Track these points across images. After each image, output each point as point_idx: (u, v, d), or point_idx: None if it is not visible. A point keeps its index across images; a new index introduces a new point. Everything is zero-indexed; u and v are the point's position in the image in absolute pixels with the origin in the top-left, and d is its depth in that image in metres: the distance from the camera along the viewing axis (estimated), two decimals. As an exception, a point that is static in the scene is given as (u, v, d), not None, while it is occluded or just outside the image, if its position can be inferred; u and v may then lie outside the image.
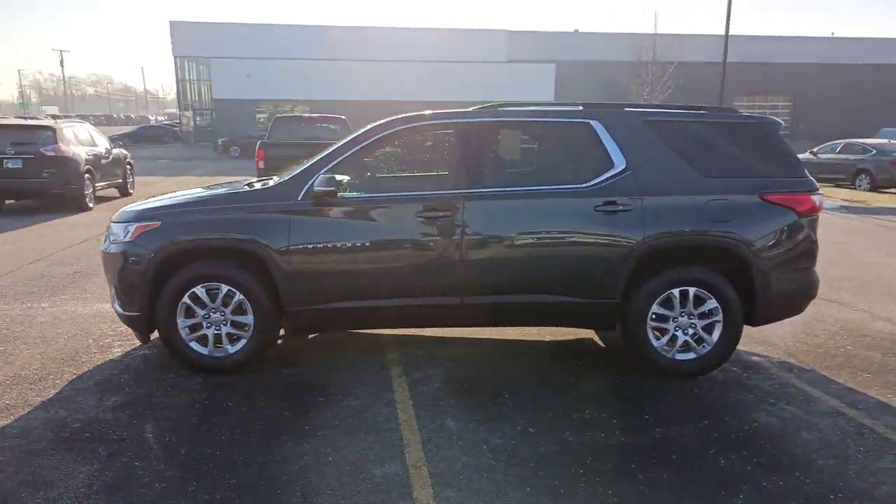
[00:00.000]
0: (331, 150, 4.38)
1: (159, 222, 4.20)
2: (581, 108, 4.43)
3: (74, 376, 4.25)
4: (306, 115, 17.55)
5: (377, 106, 23.63)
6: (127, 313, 4.26)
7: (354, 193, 4.23)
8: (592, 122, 4.30)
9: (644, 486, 3.06)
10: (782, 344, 5.05)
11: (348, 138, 4.50)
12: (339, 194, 4.13)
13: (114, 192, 14.43)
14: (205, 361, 4.26)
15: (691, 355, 4.32)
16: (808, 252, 4.41)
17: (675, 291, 4.24)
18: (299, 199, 4.15)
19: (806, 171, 4.48)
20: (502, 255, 4.23)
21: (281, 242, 4.10)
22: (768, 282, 4.27)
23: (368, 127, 4.47)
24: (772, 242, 4.28)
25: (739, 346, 4.51)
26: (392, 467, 3.18)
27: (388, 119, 4.44)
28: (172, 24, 40.03)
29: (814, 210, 4.37)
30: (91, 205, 12.33)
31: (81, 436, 3.46)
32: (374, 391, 4.08)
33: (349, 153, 4.32)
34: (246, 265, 4.18)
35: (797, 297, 4.48)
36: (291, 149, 11.39)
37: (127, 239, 4.21)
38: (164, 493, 2.94)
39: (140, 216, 4.29)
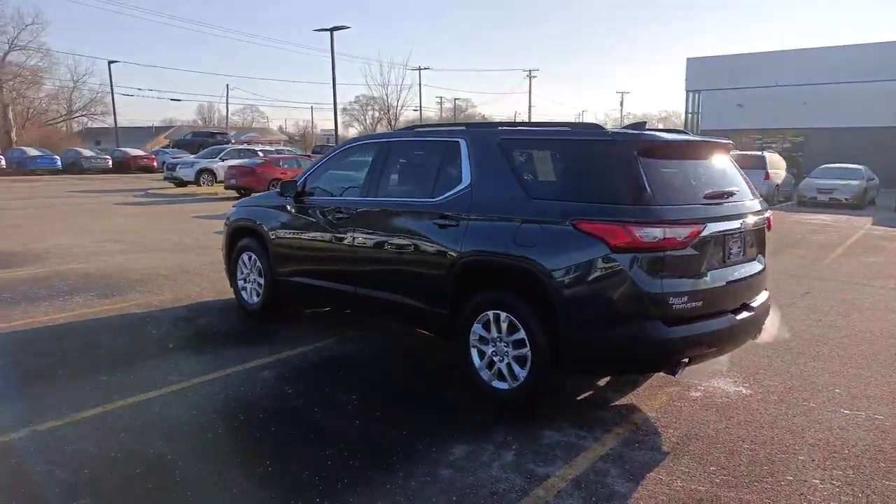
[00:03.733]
0: (312, 163, 5.81)
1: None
2: (463, 128, 4.64)
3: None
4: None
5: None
6: None
7: (313, 197, 5.56)
8: (460, 141, 4.51)
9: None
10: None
11: (323, 155, 5.85)
12: (307, 197, 5.55)
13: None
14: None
15: (505, 385, 4.08)
16: (629, 296, 3.55)
17: (491, 314, 4.11)
18: (291, 197, 5.73)
19: (649, 197, 3.60)
20: (376, 256, 4.89)
21: (275, 226, 5.80)
22: (572, 321, 3.71)
23: (335, 146, 5.70)
24: (577, 276, 3.69)
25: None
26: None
27: (348, 139, 5.58)
28: (689, 60, 42.07)
29: (635, 245, 3.52)
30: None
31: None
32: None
33: (316, 166, 5.67)
34: (257, 238, 6.02)
35: (615, 348, 3.66)
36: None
37: None
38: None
39: None
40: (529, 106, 77.41)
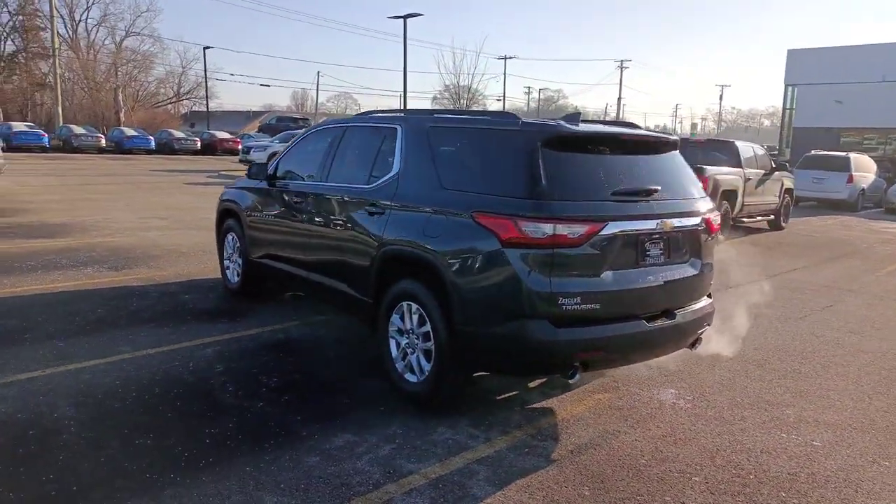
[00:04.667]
0: (286, 146, 5.91)
1: None
2: (401, 113, 4.59)
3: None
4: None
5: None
6: None
7: (282, 181, 5.66)
8: (397, 127, 4.46)
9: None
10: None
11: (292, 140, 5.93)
12: (278, 181, 5.67)
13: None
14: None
15: (414, 378, 4.03)
16: (515, 294, 3.42)
17: (405, 305, 4.07)
18: (264, 181, 5.86)
19: (543, 191, 3.45)
20: (320, 242, 4.94)
21: (249, 208, 5.97)
22: (465, 316, 3.62)
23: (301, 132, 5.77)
24: (470, 270, 3.61)
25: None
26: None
27: (316, 123, 5.64)
28: (790, 52, 39.53)
29: (524, 241, 3.38)
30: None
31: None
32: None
33: (285, 152, 5.76)
34: (236, 219, 6.22)
35: (502, 347, 3.54)
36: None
37: None
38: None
39: None
40: (619, 98, 75.30)
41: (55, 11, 44.19)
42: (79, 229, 10.09)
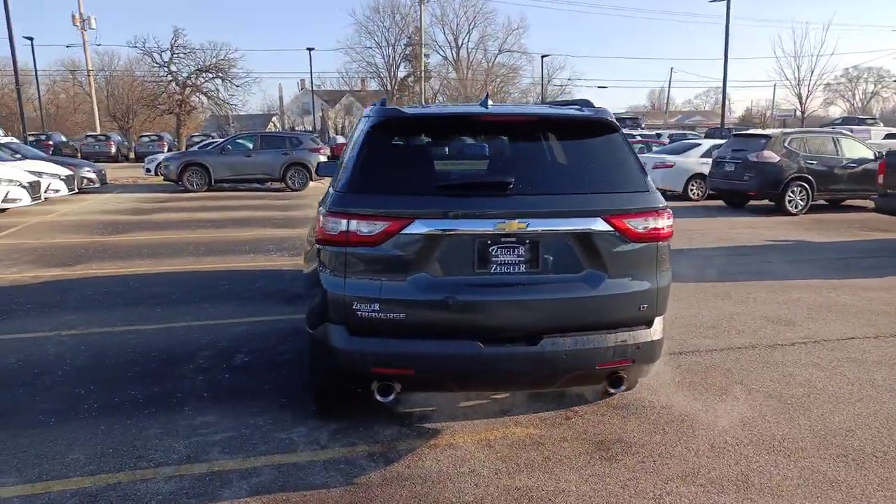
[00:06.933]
0: None
1: None
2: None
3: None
4: None
5: None
6: None
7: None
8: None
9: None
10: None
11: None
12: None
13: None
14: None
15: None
16: (319, 295, 3.23)
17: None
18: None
19: (353, 182, 3.14)
20: None
21: None
22: (306, 319, 3.51)
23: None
24: (307, 272, 3.45)
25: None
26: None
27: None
28: None
29: (323, 237, 3.15)
30: (794, 210, 12.88)
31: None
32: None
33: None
34: None
35: (318, 353, 3.37)
36: None
37: None
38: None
39: None
40: None
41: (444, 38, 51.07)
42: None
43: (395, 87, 65.52)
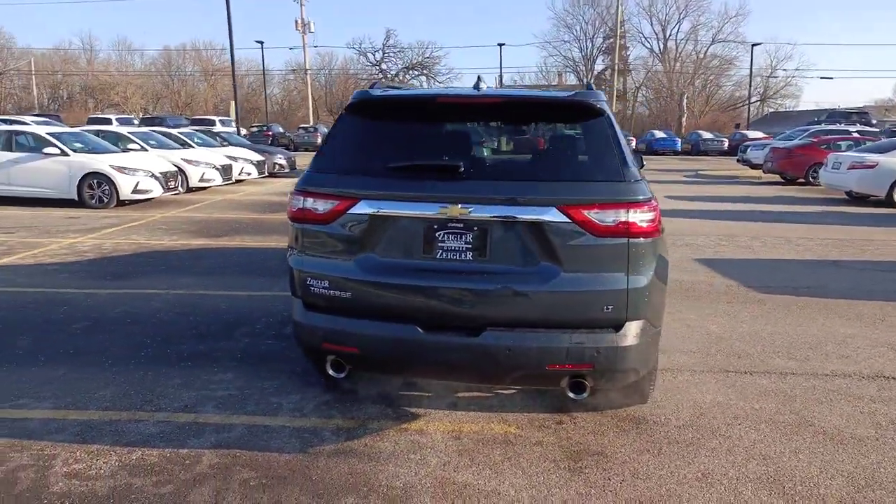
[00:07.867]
0: None
1: None
2: None
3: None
4: None
5: None
6: None
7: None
8: None
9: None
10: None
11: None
12: None
13: None
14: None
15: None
16: (289, 272, 3.26)
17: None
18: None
19: (319, 162, 3.26)
20: None
21: None
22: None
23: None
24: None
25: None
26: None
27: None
28: None
29: (291, 215, 3.21)
30: None
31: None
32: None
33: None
34: None
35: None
36: None
37: None
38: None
39: None
40: None
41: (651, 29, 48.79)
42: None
43: (592, 81, 64.01)
